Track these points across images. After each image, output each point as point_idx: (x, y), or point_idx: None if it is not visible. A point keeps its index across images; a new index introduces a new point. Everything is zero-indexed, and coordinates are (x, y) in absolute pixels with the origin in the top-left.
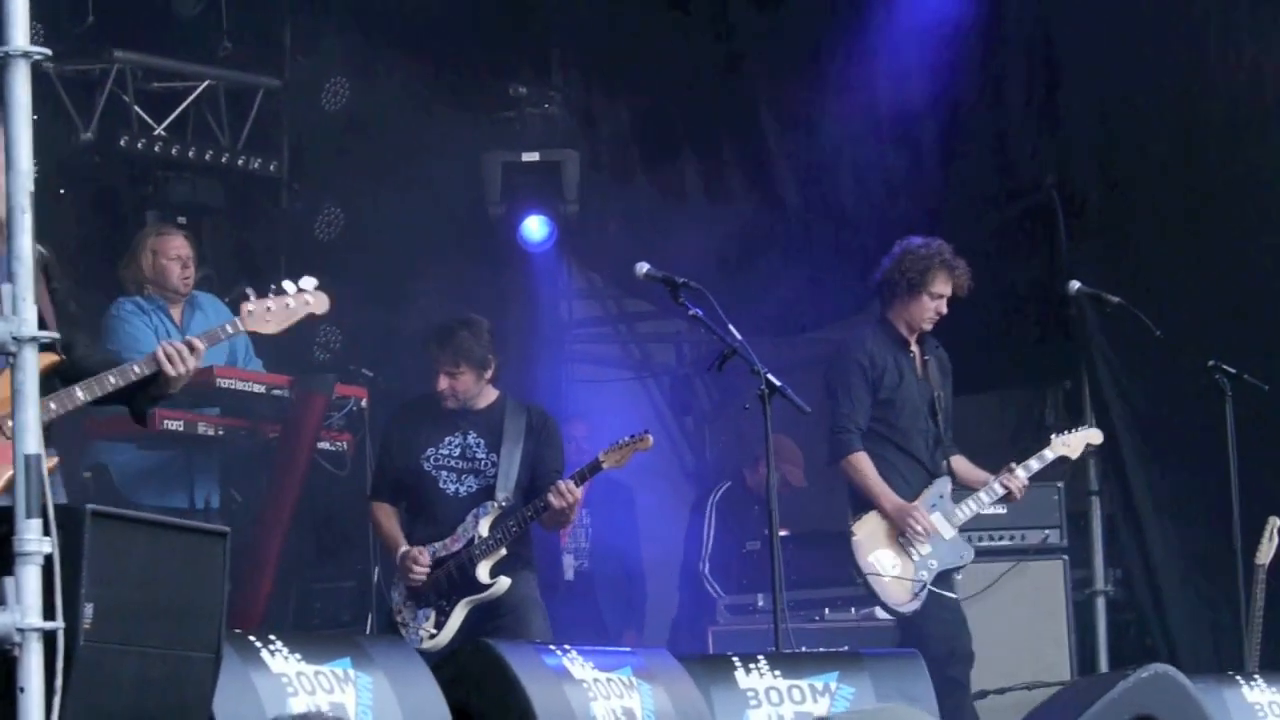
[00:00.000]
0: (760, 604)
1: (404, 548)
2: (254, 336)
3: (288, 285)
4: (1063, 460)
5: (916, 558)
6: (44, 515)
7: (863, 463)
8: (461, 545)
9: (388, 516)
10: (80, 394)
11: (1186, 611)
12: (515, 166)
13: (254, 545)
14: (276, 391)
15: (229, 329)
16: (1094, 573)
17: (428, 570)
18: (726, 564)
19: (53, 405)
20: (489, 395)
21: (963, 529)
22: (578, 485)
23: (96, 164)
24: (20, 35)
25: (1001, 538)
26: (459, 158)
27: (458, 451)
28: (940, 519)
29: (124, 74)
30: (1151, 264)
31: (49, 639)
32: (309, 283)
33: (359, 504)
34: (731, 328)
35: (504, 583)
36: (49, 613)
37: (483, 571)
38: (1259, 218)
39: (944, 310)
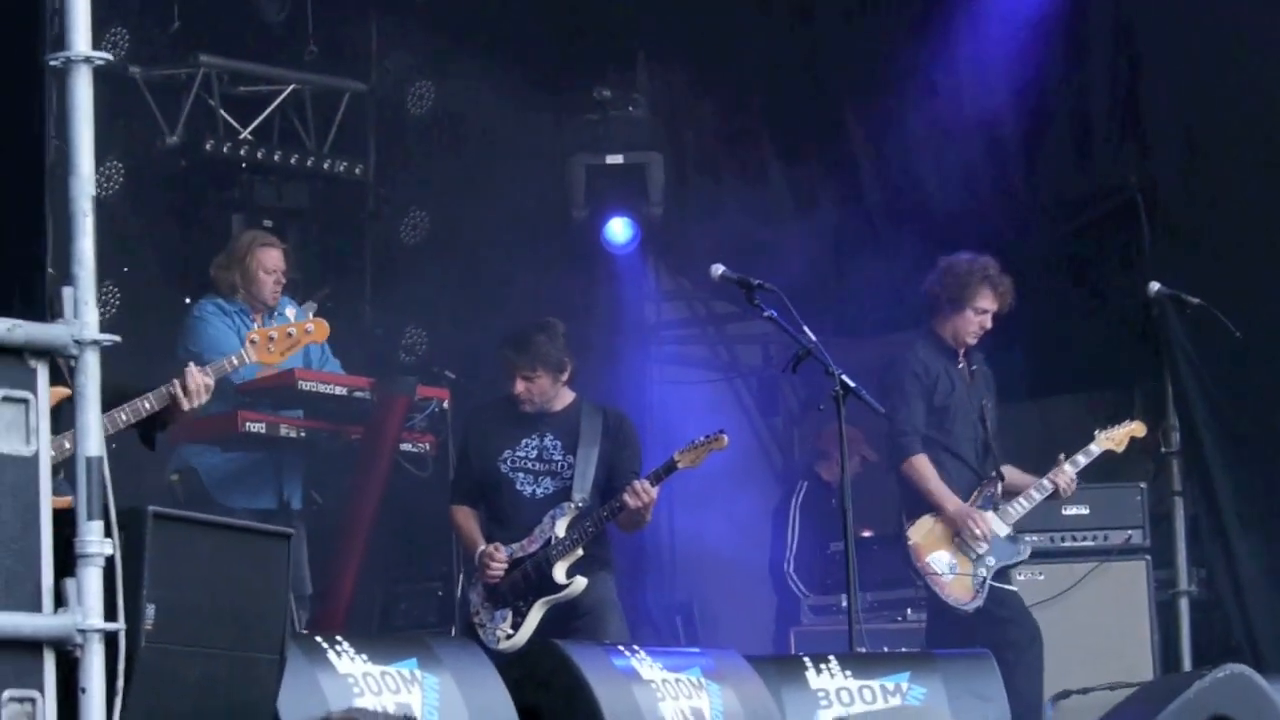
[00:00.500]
0: (844, 604)
1: (482, 546)
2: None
3: (290, 312)
4: (1109, 454)
5: (974, 556)
6: (106, 517)
7: (924, 465)
8: (538, 546)
9: (467, 519)
10: None
11: (1271, 612)
12: (599, 169)
13: (336, 547)
14: (358, 394)
15: (234, 360)
16: (1177, 573)
17: (505, 566)
18: (811, 564)
19: (66, 444)
20: (565, 397)
21: (1045, 529)
22: (653, 485)
23: (182, 168)
24: (82, 40)
25: (1084, 538)
26: (544, 161)
27: (534, 453)
28: (994, 518)
29: (209, 78)
30: (1234, 265)
31: (111, 640)
32: (310, 308)
33: (441, 505)
34: (806, 329)
35: (580, 583)
36: (110, 614)
37: (559, 572)
38: None
39: (988, 325)
